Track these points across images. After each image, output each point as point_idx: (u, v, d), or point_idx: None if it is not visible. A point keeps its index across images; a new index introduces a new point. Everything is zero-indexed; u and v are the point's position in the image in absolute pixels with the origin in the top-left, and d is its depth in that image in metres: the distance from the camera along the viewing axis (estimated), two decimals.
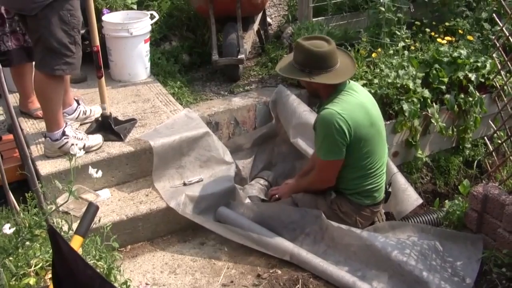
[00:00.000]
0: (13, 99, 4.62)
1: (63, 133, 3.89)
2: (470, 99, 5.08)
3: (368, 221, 3.95)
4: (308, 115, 4.61)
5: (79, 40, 3.72)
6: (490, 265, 3.49)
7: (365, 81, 4.89)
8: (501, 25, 3.85)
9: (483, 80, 5.13)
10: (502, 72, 4.01)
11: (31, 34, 3.74)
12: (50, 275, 2.65)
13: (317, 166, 3.87)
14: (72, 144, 3.85)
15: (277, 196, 4.21)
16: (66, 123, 3.95)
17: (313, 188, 3.97)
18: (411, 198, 4.29)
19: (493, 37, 4.89)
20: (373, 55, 5.23)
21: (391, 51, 5.25)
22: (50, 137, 3.89)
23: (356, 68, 3.78)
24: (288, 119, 4.72)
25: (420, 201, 4.31)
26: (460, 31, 5.75)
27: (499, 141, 3.96)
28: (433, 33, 5.64)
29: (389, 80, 4.76)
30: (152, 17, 5.22)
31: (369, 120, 3.69)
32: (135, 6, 5.46)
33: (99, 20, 4.86)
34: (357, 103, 3.68)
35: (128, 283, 2.85)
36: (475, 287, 3.43)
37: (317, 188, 3.95)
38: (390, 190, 4.03)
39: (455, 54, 5.10)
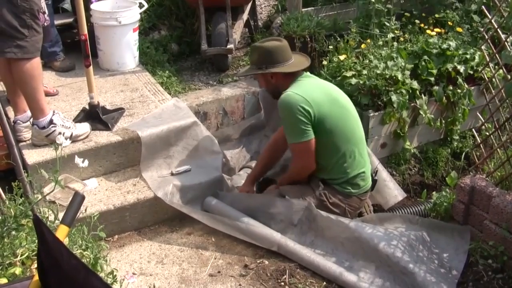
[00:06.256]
0: (1, 87, 4.59)
1: (51, 122, 3.87)
2: (459, 91, 5.08)
3: (356, 210, 3.98)
4: None
5: (35, 25, 3.64)
6: (477, 257, 3.51)
7: (354, 72, 4.88)
8: (490, 17, 3.85)
9: (471, 72, 5.12)
10: (491, 65, 4.02)
11: None
12: (36, 265, 2.63)
13: (293, 153, 3.95)
14: (60, 133, 3.83)
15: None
16: (54, 111, 3.93)
17: (297, 178, 3.99)
18: (390, 194, 4.30)
19: (482, 29, 4.90)
20: (362, 46, 5.22)
21: (380, 42, 5.24)
22: (37, 125, 3.87)
23: (309, 63, 4.04)
24: None
25: (400, 198, 4.32)
26: (449, 23, 5.75)
27: (487, 133, 3.97)
28: (422, 25, 5.64)
29: (378, 71, 4.75)
30: (141, 6, 5.19)
31: (329, 97, 3.81)
32: None
33: (87, 8, 4.83)
34: (313, 84, 3.89)
35: (115, 273, 2.84)
36: (461, 278, 3.44)
37: (300, 177, 3.98)
38: (376, 178, 4.07)
39: (444, 46, 5.10)
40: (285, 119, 3.79)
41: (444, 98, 5.04)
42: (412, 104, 4.88)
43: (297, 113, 3.65)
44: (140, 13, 5.19)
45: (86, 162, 2.91)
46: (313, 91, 3.76)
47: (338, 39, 5.44)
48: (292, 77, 3.86)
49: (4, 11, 3.52)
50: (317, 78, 4.06)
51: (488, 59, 4.00)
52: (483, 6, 4.45)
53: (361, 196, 3.94)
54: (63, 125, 3.92)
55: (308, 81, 3.88)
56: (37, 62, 3.74)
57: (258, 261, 3.58)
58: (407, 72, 4.85)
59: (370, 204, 4.17)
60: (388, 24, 5.43)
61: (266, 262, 3.57)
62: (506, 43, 3.60)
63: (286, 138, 3.86)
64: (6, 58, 3.67)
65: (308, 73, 3.98)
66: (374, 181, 4.05)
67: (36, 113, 3.85)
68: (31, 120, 3.93)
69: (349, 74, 4.86)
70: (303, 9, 5.97)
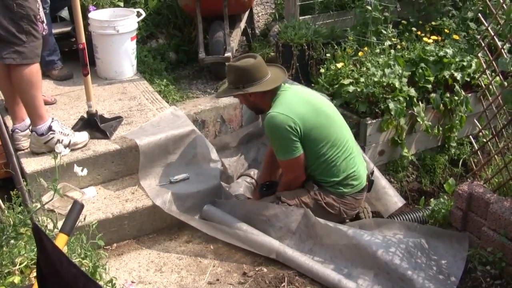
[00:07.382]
0: (0, 96, 4.61)
1: (49, 128, 3.87)
2: (456, 98, 5.09)
3: (352, 210, 3.98)
4: None
5: (33, 30, 3.64)
6: (475, 263, 3.51)
7: (351, 80, 4.90)
8: (486, 24, 3.86)
9: (468, 79, 5.14)
10: (487, 72, 4.03)
11: None
12: (35, 274, 2.63)
13: (283, 168, 4.04)
14: (58, 140, 3.84)
15: None
16: (53, 118, 3.94)
17: (290, 189, 4.00)
18: (390, 201, 4.31)
19: (479, 36, 4.91)
20: (360, 54, 5.24)
21: (378, 50, 5.26)
22: (35, 131, 3.87)
23: (286, 76, 4.05)
24: None
25: (400, 204, 4.32)
26: (446, 30, 5.77)
27: (484, 140, 3.98)
28: (419, 32, 5.66)
29: (375, 79, 4.77)
30: (138, 14, 5.21)
31: (313, 107, 3.84)
32: (121, 4, 5.44)
33: (85, 17, 4.84)
34: (294, 96, 3.87)
35: (114, 281, 2.84)
36: (460, 285, 3.44)
37: (293, 188, 4.00)
38: (373, 179, 4.10)
39: (441, 53, 5.11)
40: (273, 139, 3.85)
41: (441, 105, 5.06)
42: (409, 112, 4.89)
43: (285, 132, 3.69)
44: (138, 22, 5.20)
45: (85, 171, 2.92)
46: (296, 106, 3.78)
47: (336, 47, 5.46)
48: (271, 93, 3.88)
49: (1, 18, 3.53)
50: (296, 86, 4.10)
51: (485, 66, 4.01)
52: (479, 14, 4.47)
53: (355, 196, 3.94)
54: (61, 132, 3.92)
55: (289, 94, 3.87)
56: (36, 68, 3.75)
57: (257, 269, 3.58)
58: (405, 80, 4.87)
59: (369, 210, 4.17)
60: (385, 32, 5.45)
61: (265, 270, 3.57)
62: (502, 50, 3.62)
63: (276, 155, 3.90)
64: (5, 65, 3.67)
65: (287, 84, 3.98)
66: (371, 182, 4.07)
67: (35, 120, 3.85)
68: (30, 127, 3.93)
69: (346, 81, 4.88)
70: (300, 17, 5.99)
